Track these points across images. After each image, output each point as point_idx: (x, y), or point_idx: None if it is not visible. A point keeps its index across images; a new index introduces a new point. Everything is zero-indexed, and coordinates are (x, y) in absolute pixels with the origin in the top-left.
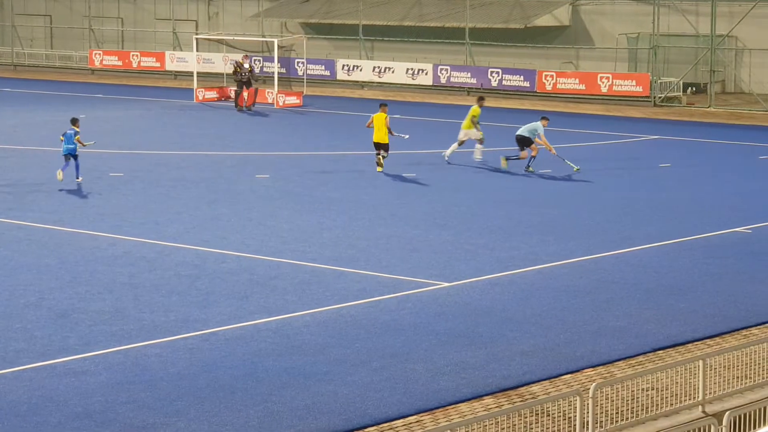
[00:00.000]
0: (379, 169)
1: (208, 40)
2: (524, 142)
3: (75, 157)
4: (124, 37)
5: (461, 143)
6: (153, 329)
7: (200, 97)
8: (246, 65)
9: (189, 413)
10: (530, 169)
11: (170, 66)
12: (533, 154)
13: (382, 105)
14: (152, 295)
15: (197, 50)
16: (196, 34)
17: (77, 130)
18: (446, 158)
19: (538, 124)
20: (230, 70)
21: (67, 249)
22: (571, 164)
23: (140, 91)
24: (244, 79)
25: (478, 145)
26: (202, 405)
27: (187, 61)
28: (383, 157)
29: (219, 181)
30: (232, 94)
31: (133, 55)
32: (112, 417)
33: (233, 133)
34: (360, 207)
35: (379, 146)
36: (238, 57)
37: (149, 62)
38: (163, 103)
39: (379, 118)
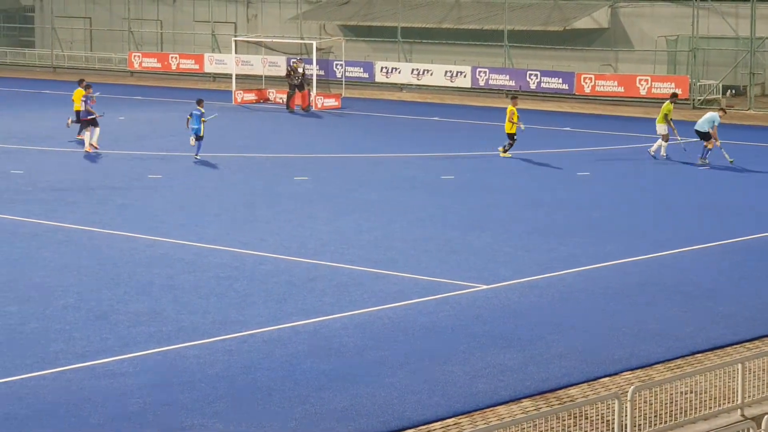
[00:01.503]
0: (501, 153)
1: (247, 42)
2: (704, 136)
3: (198, 137)
4: (163, 39)
5: (666, 139)
6: (191, 331)
7: (239, 99)
8: (300, 69)
9: (227, 415)
10: (704, 160)
11: (209, 68)
12: (709, 147)
13: (513, 98)
14: (190, 296)
15: (236, 52)
16: (235, 36)
17: (203, 110)
18: (653, 153)
19: (716, 115)
20: (269, 72)
21: (106, 251)
22: (727, 156)
23: (179, 93)
24: (297, 82)
25: (660, 141)
26: (240, 407)
27: (226, 63)
28: (509, 145)
29: (257, 183)
30: (271, 96)
31: (172, 57)
32: (150, 418)
33: (271, 135)
34: (398, 209)
35: (509, 135)
36: (291, 60)
37: (188, 64)
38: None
39: (510, 110)
